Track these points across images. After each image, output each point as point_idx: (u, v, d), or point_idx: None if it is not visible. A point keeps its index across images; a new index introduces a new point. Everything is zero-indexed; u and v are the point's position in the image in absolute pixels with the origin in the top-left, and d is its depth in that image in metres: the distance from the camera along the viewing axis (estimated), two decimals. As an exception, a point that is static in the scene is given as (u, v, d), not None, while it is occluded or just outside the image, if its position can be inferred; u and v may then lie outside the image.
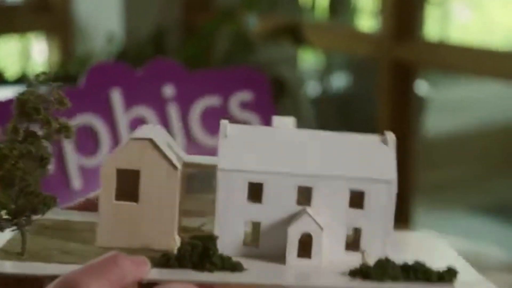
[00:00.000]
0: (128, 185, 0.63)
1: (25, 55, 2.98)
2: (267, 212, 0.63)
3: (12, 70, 2.80)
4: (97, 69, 1.66)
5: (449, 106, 3.71)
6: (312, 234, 0.62)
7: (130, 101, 1.62)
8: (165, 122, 1.67)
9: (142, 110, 1.65)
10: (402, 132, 2.50)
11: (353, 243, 0.64)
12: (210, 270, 0.60)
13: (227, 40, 2.37)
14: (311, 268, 0.63)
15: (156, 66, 1.69)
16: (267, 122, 1.74)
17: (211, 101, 1.70)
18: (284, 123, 0.69)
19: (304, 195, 0.64)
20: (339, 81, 3.26)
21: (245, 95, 1.72)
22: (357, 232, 0.64)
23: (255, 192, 0.63)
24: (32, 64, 2.99)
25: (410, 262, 0.62)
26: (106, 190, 0.63)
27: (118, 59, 2.33)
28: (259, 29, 2.45)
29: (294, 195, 0.63)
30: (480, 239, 2.43)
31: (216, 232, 0.63)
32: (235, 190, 0.63)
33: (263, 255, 0.63)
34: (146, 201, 0.63)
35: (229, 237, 0.63)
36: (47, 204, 0.60)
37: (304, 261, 0.63)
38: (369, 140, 0.66)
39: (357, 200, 0.64)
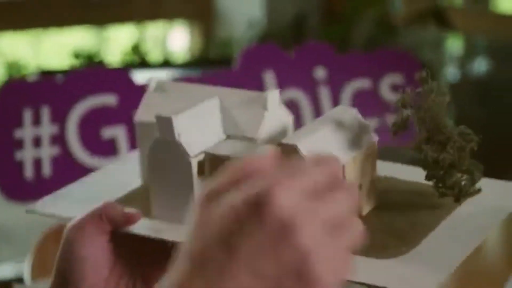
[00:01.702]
0: None
1: (167, 40, 3.07)
2: None
3: (155, 55, 2.89)
4: (251, 51, 1.68)
5: None
6: None
7: (282, 83, 1.64)
8: (316, 105, 1.68)
9: (294, 92, 1.66)
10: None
11: None
12: None
13: (370, 24, 2.35)
14: None
15: (307, 49, 1.70)
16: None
17: (362, 83, 1.70)
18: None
19: None
20: (480, 66, 3.17)
21: (396, 78, 1.71)
22: None
23: None
24: (174, 49, 3.07)
25: None
26: None
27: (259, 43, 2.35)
28: (403, 13, 2.42)
29: None
30: None
31: None
32: None
33: None
34: None
35: None
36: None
37: None
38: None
39: None
